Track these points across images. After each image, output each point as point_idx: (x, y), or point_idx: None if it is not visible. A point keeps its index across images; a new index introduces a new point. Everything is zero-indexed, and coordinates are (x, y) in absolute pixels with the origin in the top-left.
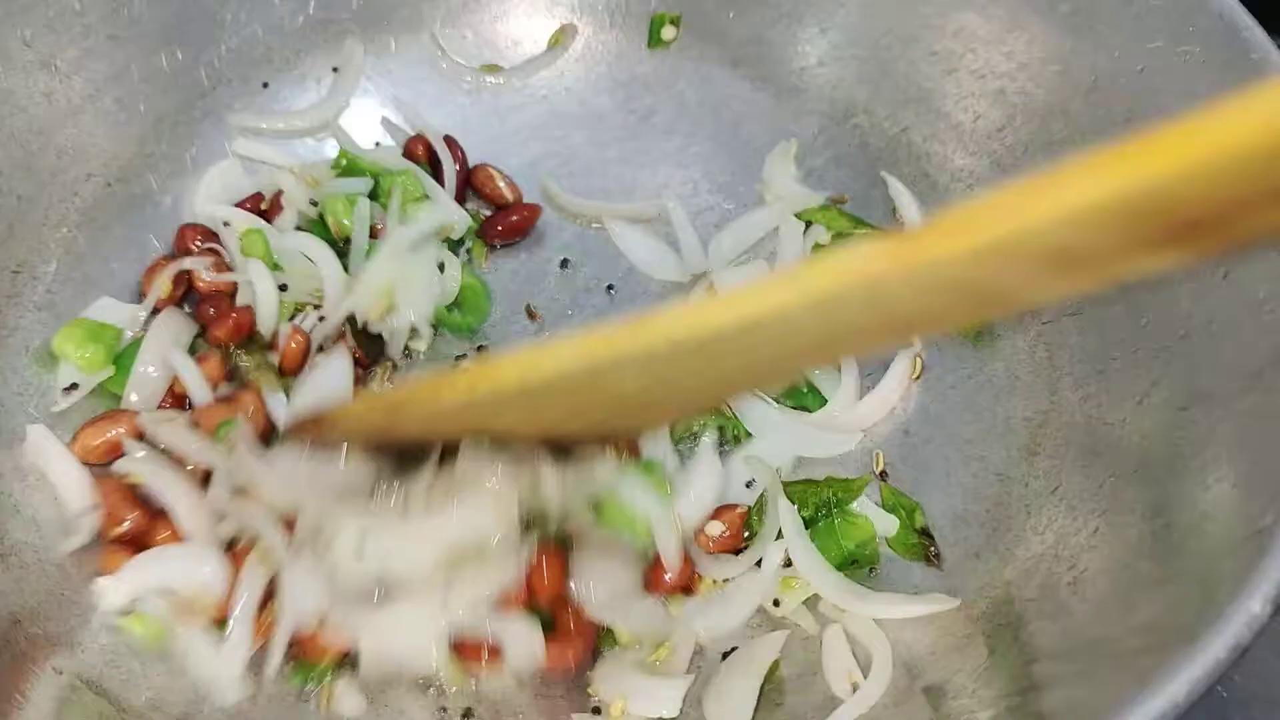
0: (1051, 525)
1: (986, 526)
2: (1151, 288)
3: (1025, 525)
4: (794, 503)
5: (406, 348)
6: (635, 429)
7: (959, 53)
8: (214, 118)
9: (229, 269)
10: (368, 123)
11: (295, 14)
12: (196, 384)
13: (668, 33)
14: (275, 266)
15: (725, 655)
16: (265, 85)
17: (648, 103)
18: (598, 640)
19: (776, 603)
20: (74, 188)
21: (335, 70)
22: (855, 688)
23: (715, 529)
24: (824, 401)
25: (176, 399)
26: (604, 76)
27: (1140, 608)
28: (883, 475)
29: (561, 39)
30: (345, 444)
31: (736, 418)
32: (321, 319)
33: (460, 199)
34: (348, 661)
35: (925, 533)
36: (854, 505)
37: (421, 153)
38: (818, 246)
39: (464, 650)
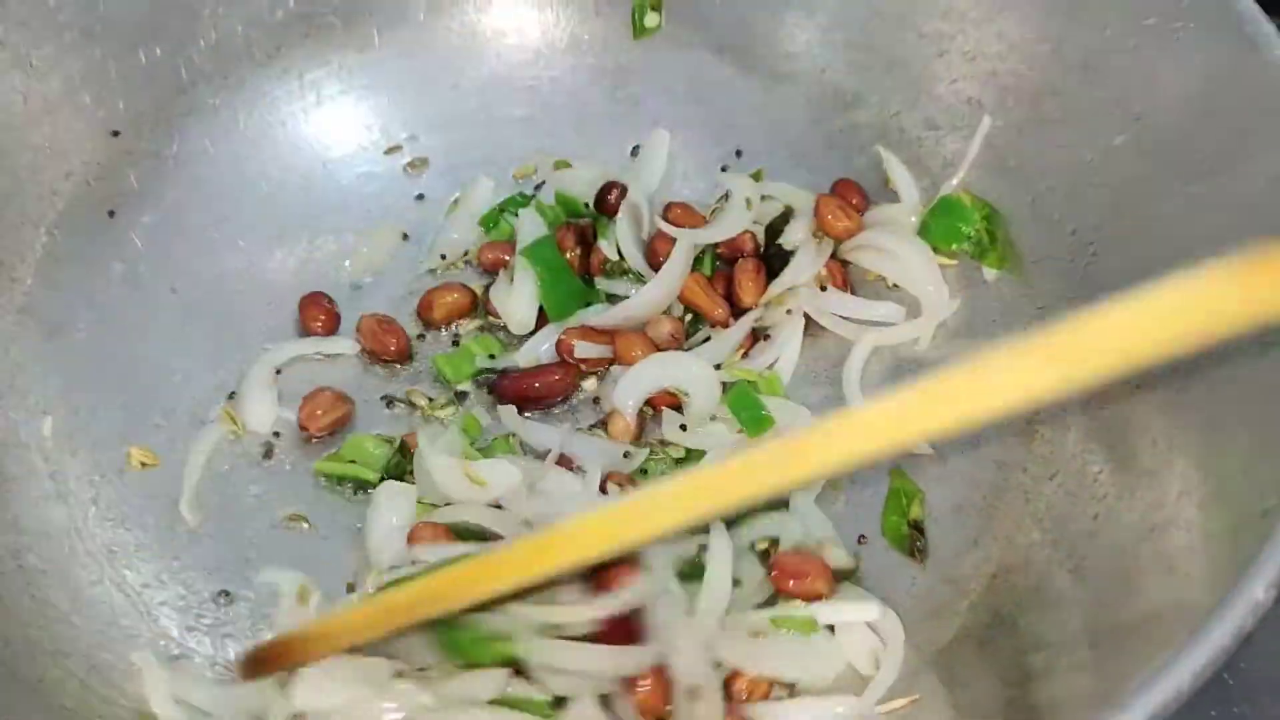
0: (1050, 512)
1: (984, 514)
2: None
3: (1024, 512)
4: None
5: None
6: None
7: (949, 34)
8: (195, 114)
9: None
10: (350, 120)
11: (275, 8)
12: None
13: (651, 20)
14: None
15: None
16: (245, 81)
17: (635, 91)
18: None
19: None
20: (53, 186)
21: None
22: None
23: None
24: None
25: None
26: (591, 66)
27: (1142, 595)
28: None
29: None
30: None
31: None
32: None
33: None
34: None
35: (916, 526)
36: None
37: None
38: None
39: None
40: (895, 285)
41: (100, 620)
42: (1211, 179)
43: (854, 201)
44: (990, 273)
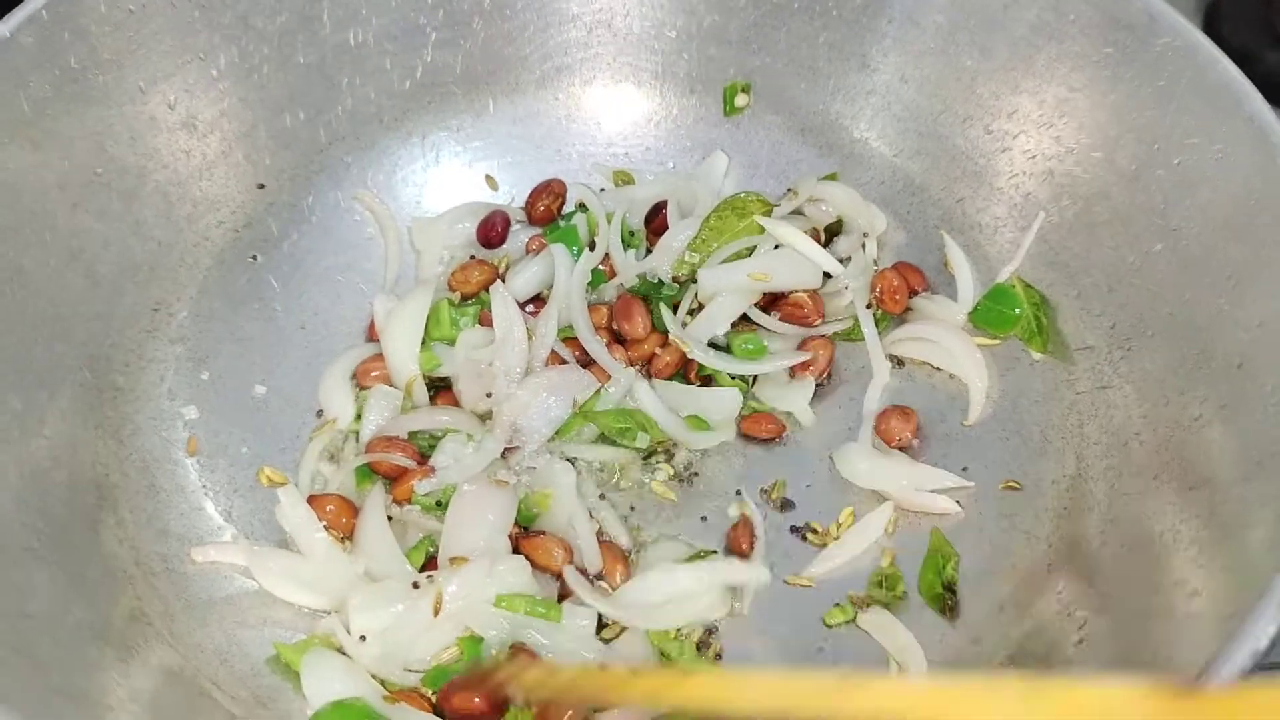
0: (1068, 586)
1: (1010, 581)
2: (1175, 376)
3: (1045, 583)
4: None
5: None
6: None
7: (1012, 133)
8: (328, 171)
9: None
10: (463, 177)
11: (404, 78)
12: None
13: (740, 100)
14: None
15: None
16: (375, 142)
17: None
18: None
19: None
20: (206, 233)
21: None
22: None
23: None
24: None
25: None
26: (684, 138)
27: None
28: None
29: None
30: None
31: None
32: None
33: None
34: None
35: (949, 587)
36: None
37: None
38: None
39: None
40: (940, 369)
41: (231, 620)
42: (1233, 294)
43: (912, 282)
44: (1037, 355)
